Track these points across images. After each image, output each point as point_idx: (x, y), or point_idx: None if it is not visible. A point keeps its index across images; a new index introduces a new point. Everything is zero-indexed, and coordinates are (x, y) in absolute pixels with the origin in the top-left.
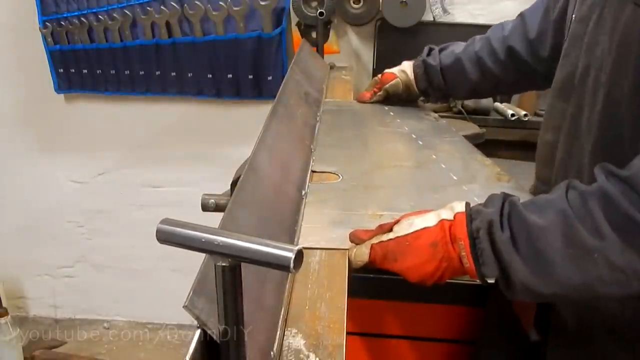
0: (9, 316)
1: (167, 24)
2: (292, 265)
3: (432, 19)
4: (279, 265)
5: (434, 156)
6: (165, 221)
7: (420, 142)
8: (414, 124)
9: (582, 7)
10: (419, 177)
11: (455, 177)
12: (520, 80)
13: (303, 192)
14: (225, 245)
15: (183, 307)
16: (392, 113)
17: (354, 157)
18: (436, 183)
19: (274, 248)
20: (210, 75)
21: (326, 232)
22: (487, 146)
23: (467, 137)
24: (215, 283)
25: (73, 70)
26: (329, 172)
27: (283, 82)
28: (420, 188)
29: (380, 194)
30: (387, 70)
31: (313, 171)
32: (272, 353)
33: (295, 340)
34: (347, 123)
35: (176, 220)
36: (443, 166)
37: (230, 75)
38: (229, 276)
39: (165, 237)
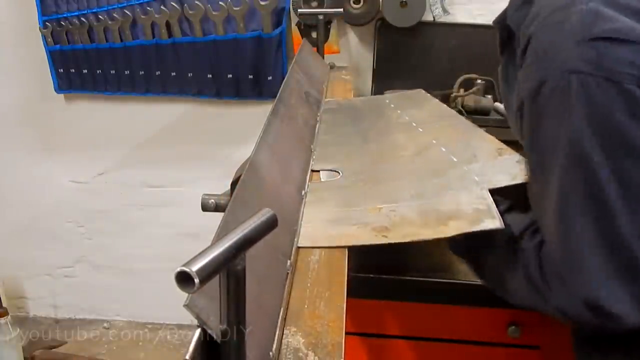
0: (9, 316)
1: (167, 24)
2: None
3: (432, 19)
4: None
5: (434, 141)
6: None
7: (421, 130)
8: (415, 112)
9: None
10: (419, 165)
11: (455, 159)
12: None
13: (303, 192)
14: None
15: (183, 306)
16: (392, 105)
17: (353, 153)
18: (436, 167)
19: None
20: (210, 75)
21: (326, 231)
22: None
23: None
24: (219, 284)
25: (73, 70)
26: (328, 170)
27: (284, 81)
28: (420, 175)
29: (381, 187)
30: None
31: (313, 170)
32: (271, 352)
33: (295, 339)
34: (347, 120)
35: None
36: (443, 149)
37: (230, 75)
38: (234, 279)
39: None
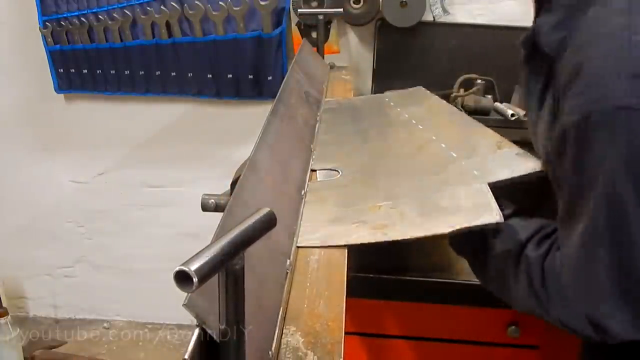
0: (9, 316)
1: (167, 24)
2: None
3: (432, 19)
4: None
5: (433, 137)
6: None
7: (420, 127)
8: (414, 109)
9: None
10: (418, 162)
11: (454, 154)
12: None
13: (303, 191)
14: None
15: (183, 305)
16: (392, 103)
17: (353, 152)
18: (436, 164)
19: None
20: (210, 75)
21: (325, 230)
22: None
23: None
24: (217, 283)
25: (73, 70)
26: (328, 170)
27: (284, 81)
28: (419, 172)
29: (380, 185)
30: None
31: (313, 170)
32: (270, 352)
33: (294, 338)
34: (347, 119)
35: None
36: (443, 145)
37: (230, 75)
38: (233, 278)
39: None
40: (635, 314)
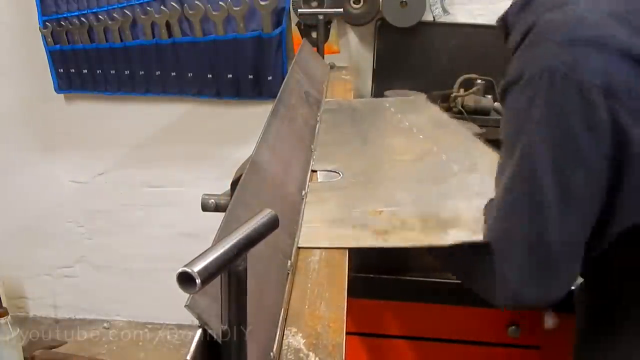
0: (9, 316)
1: (167, 24)
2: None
3: (432, 19)
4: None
5: (434, 148)
6: None
7: (421, 136)
8: (414, 118)
9: None
10: (419, 170)
11: (456, 168)
12: None
13: (303, 192)
14: None
15: (185, 306)
16: (392, 109)
17: (354, 154)
18: (437, 175)
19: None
20: (210, 75)
21: (326, 231)
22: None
23: None
24: (219, 284)
25: (73, 70)
26: (329, 171)
27: (284, 81)
28: (420, 181)
29: (381, 190)
30: None
31: (313, 170)
32: (272, 353)
33: (295, 340)
34: (347, 121)
35: None
36: (444, 157)
37: (230, 75)
38: (235, 280)
39: None
40: (540, 281)
